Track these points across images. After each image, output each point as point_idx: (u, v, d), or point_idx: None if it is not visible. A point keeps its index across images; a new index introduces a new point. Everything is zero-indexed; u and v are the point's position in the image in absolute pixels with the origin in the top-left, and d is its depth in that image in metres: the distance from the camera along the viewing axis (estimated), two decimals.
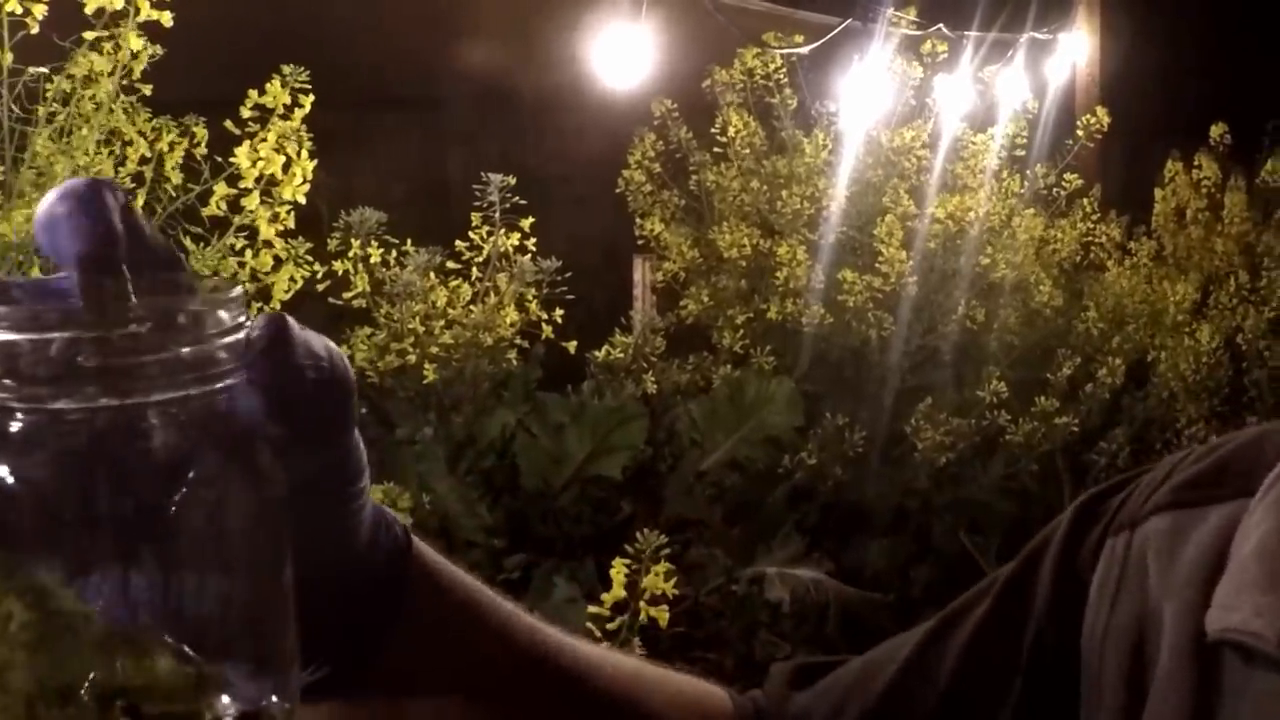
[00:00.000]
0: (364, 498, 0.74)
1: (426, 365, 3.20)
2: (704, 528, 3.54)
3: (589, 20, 4.62)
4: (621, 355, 4.03)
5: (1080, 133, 5.53)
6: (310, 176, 2.20)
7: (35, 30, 2.03)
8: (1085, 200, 5.57)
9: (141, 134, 2.28)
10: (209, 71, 2.38)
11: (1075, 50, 7.58)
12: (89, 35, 2.09)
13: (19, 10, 1.98)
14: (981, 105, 5.70)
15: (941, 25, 5.72)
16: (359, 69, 2.70)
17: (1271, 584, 0.81)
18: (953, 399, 4.66)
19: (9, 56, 2.05)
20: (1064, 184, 5.54)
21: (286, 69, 2.23)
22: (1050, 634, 0.94)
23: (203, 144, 2.34)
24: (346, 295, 2.86)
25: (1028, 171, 5.46)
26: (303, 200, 2.23)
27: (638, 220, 4.99)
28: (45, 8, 1.99)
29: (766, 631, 3.44)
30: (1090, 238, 5.53)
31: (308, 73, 2.24)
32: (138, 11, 2.07)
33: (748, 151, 5.03)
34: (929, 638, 1.01)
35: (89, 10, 2.04)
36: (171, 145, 2.30)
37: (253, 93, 2.22)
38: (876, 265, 4.68)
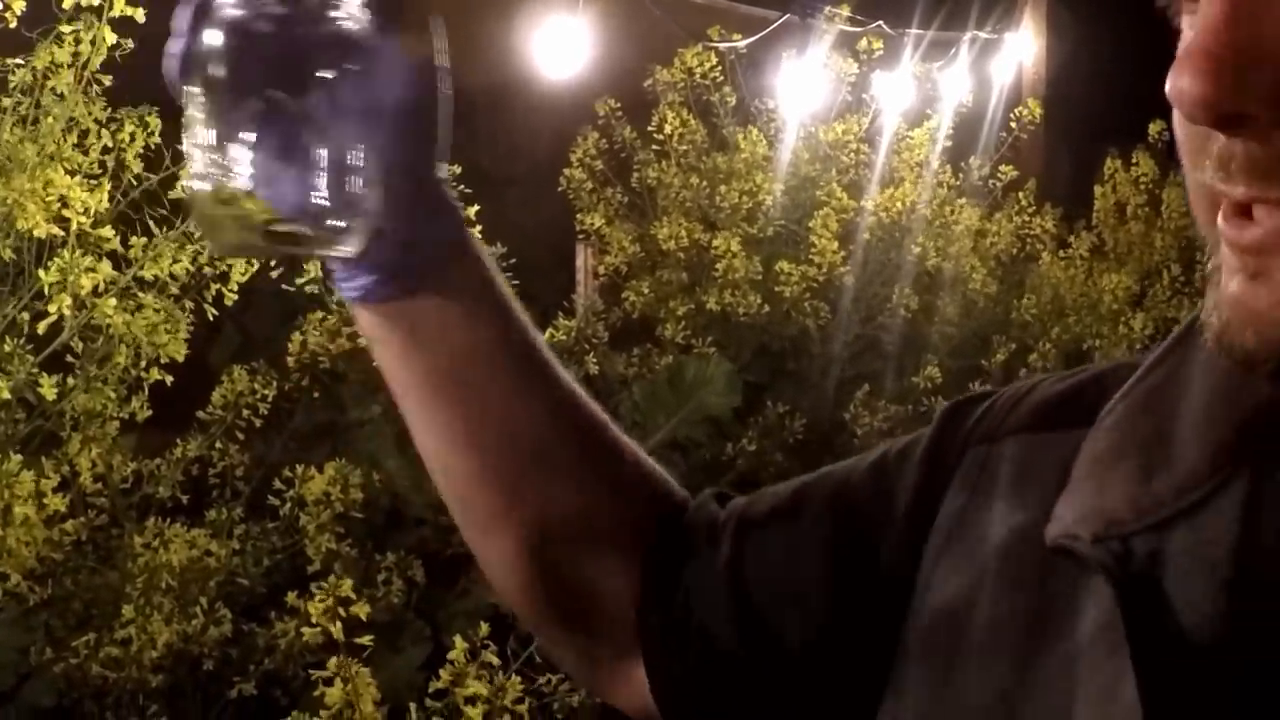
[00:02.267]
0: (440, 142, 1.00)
1: None
2: None
3: (526, 13, 4.70)
4: (565, 338, 4.14)
5: (1013, 125, 5.67)
6: None
7: (13, 24, 2.12)
8: (1020, 194, 5.72)
9: (99, 123, 2.37)
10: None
11: (1021, 49, 7.70)
12: (66, 29, 2.18)
13: None
14: (924, 102, 5.81)
15: (881, 22, 5.82)
16: None
17: (1097, 493, 0.87)
18: (892, 387, 4.79)
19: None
20: (999, 176, 5.68)
21: None
22: (906, 523, 1.01)
23: (156, 133, 2.44)
24: (300, 281, 2.95)
25: (963, 164, 5.58)
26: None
27: (578, 216, 5.10)
28: (24, 3, 2.08)
29: None
30: (1026, 230, 5.68)
31: None
32: (111, 6, 2.16)
33: (686, 148, 5.14)
34: (806, 484, 1.10)
35: (66, 4, 2.14)
36: (132, 136, 2.40)
37: None
38: (810, 256, 4.80)
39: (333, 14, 0.91)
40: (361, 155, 0.92)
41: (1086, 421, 0.92)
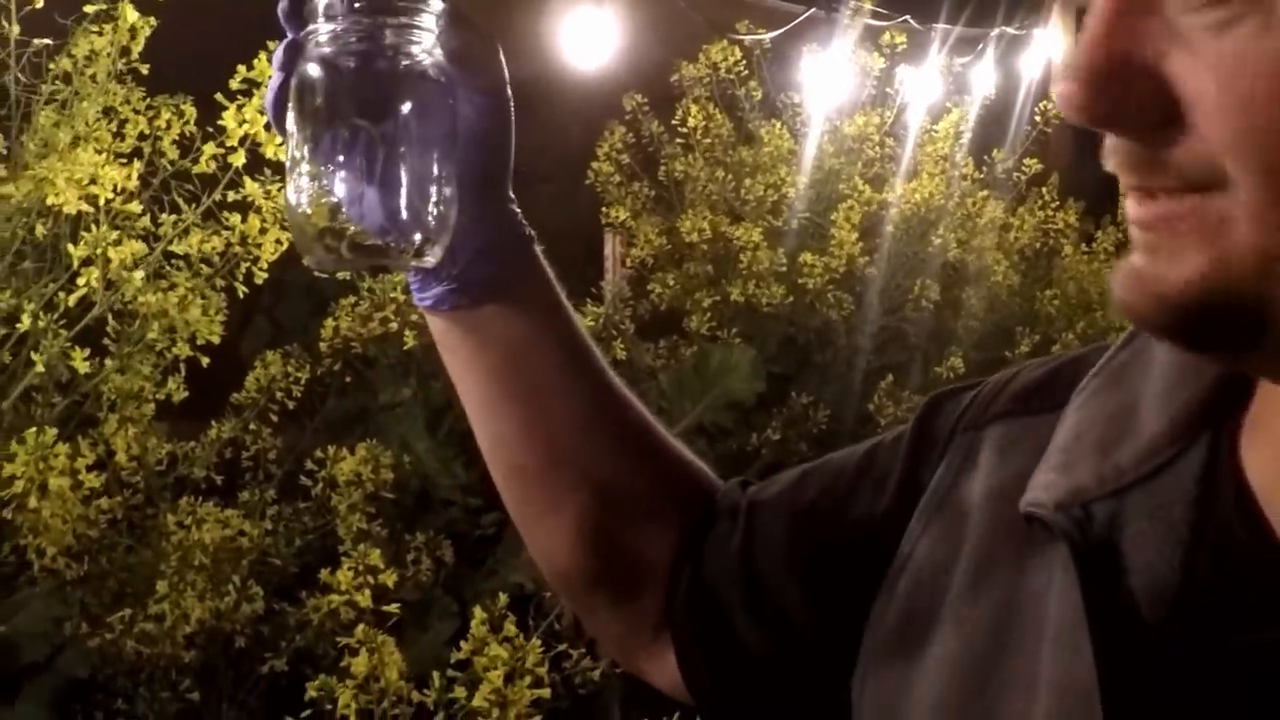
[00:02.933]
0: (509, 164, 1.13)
1: (407, 333, 3.36)
2: None
3: (555, 9, 4.74)
4: (593, 323, 4.20)
5: (1039, 120, 5.69)
6: None
7: (40, 4, 2.18)
8: (1044, 189, 5.74)
9: (137, 111, 2.43)
10: (204, 63, 2.51)
11: (1049, 45, 7.71)
12: (89, 9, 2.24)
13: None
14: (950, 97, 5.83)
15: (908, 17, 5.85)
16: None
17: (1065, 466, 0.93)
18: (917, 378, 4.82)
19: (15, 29, 2.19)
20: (1023, 170, 5.71)
21: (272, 44, 2.39)
22: (894, 502, 1.09)
23: (191, 122, 2.51)
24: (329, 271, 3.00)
25: (986, 158, 5.61)
26: (284, 158, 2.40)
27: (604, 210, 5.15)
28: None
29: None
30: (1049, 224, 5.70)
31: None
32: None
33: (710, 142, 5.17)
34: (808, 469, 1.20)
35: None
36: (168, 123, 2.45)
37: (241, 67, 2.39)
38: (830, 248, 4.84)
39: (411, 48, 1.03)
40: (439, 177, 1.04)
41: (1063, 403, 0.99)
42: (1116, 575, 0.87)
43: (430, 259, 1.04)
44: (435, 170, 1.03)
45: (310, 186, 1.02)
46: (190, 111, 2.51)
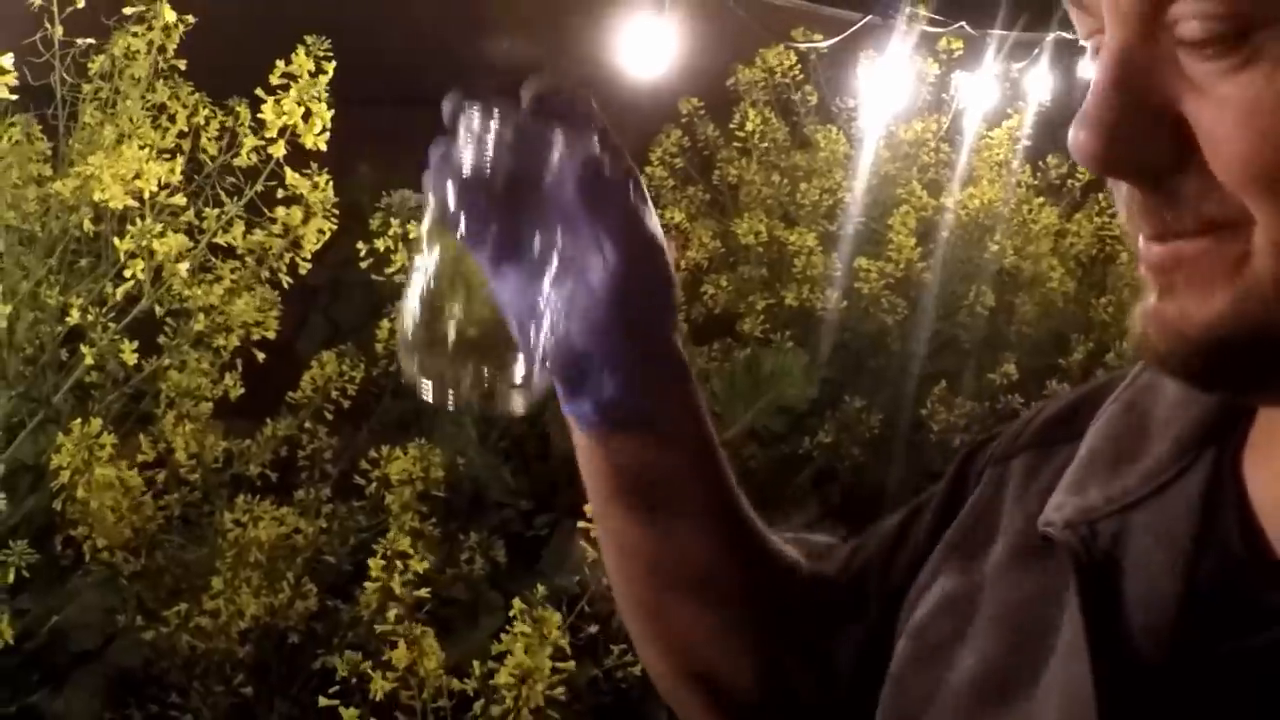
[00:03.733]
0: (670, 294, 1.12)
1: None
2: None
3: (614, 16, 4.77)
4: None
5: None
6: (329, 125, 2.41)
7: (81, 4, 2.22)
8: (1101, 195, 5.73)
9: (183, 104, 2.47)
10: (241, 65, 2.55)
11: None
12: (129, 10, 2.28)
13: None
14: (1006, 102, 5.83)
15: (964, 24, 5.84)
16: (395, 68, 2.84)
17: (1078, 488, 0.96)
18: (970, 385, 4.82)
19: (60, 30, 2.23)
20: (1078, 176, 5.70)
21: (310, 39, 2.43)
22: (925, 539, 1.12)
23: (233, 119, 2.55)
24: (388, 271, 3.03)
25: (1041, 164, 5.60)
26: (323, 147, 2.45)
27: (657, 212, 5.17)
28: None
29: None
30: (1106, 231, 5.69)
31: (329, 41, 2.45)
32: None
33: (765, 146, 5.21)
34: (859, 542, 1.24)
35: None
36: (207, 120, 2.49)
37: (280, 62, 2.42)
38: (887, 253, 4.86)
39: (563, 191, 1.01)
40: (559, 313, 1.02)
41: (1082, 432, 1.01)
42: (1120, 590, 0.90)
43: (529, 390, 1.03)
44: (556, 305, 1.01)
45: (429, 299, 1.01)
46: (245, 114, 2.55)
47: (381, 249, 2.97)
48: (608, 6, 4.80)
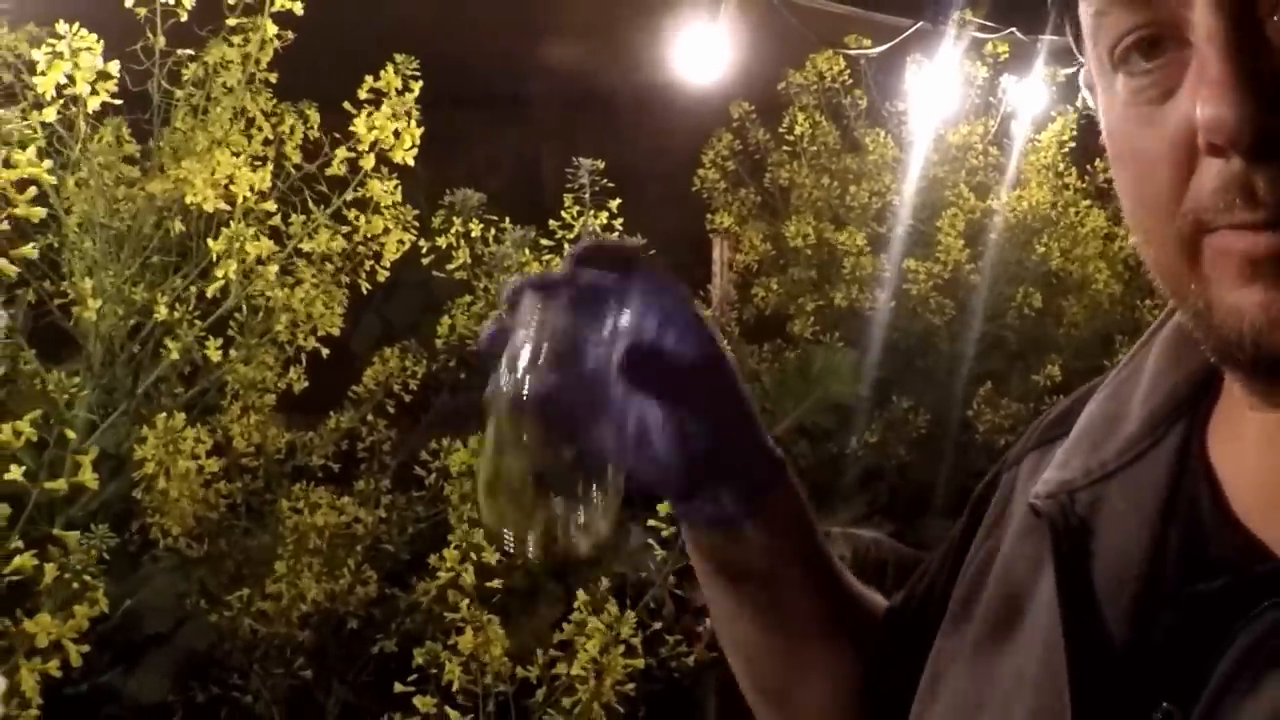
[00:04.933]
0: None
1: None
2: None
3: (670, 22, 4.81)
4: None
5: None
6: (418, 143, 2.49)
7: (184, 18, 2.30)
8: None
9: (265, 114, 2.55)
10: (311, 69, 2.62)
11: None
12: (231, 21, 2.36)
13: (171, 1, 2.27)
14: (1055, 106, 5.84)
15: (1014, 29, 5.85)
16: (453, 70, 2.89)
17: (1061, 464, 1.05)
18: (1017, 386, 4.86)
19: (161, 41, 2.32)
20: None
21: (399, 58, 2.52)
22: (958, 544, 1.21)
23: (315, 127, 2.63)
24: (449, 267, 3.10)
25: (1089, 167, 5.61)
26: (411, 163, 2.53)
27: (709, 216, 5.25)
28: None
29: None
30: None
31: (417, 61, 2.54)
32: (272, 2, 2.35)
33: (815, 149, 5.25)
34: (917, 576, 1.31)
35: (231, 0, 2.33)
36: (292, 129, 2.58)
37: (369, 78, 2.51)
38: (936, 255, 4.91)
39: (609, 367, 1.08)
40: (613, 476, 1.07)
41: (1074, 426, 1.10)
42: (1093, 551, 0.98)
43: (592, 543, 1.09)
44: (609, 471, 1.07)
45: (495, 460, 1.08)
46: (315, 117, 2.63)
47: (444, 245, 3.04)
48: (662, 13, 4.86)
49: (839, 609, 1.28)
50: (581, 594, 2.40)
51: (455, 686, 2.33)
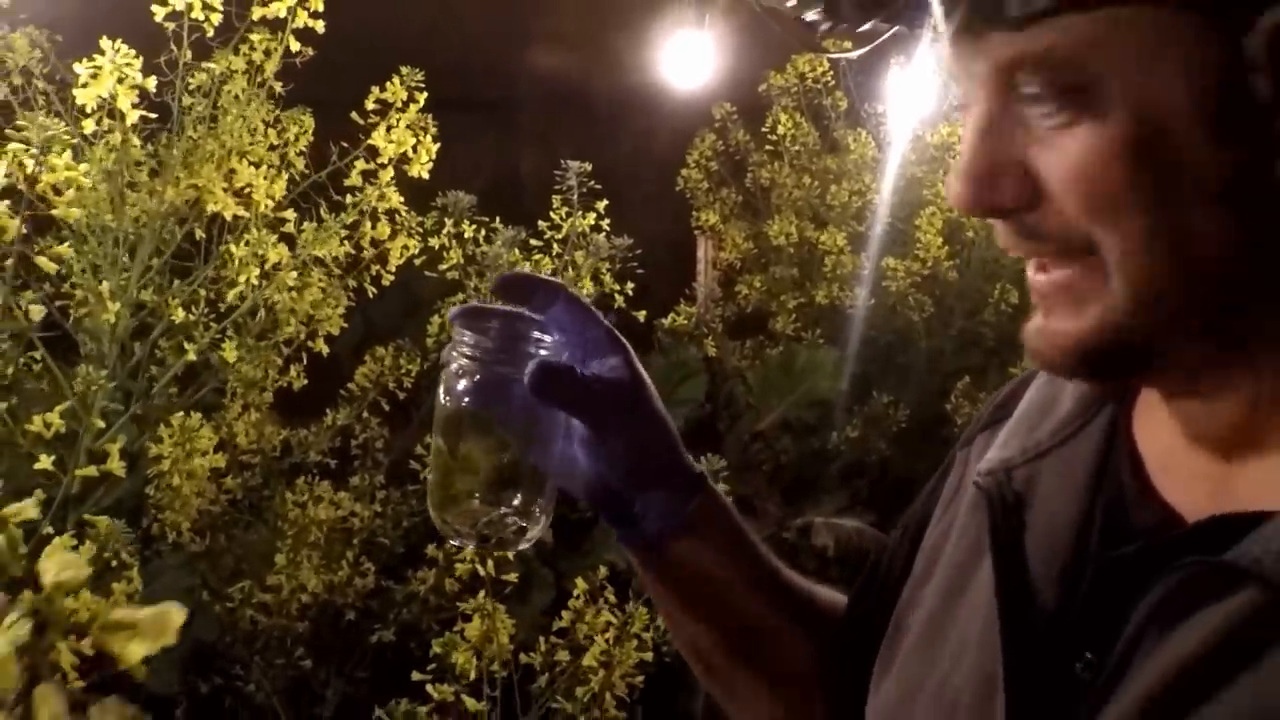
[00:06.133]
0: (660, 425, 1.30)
1: None
2: (759, 480, 3.83)
3: (654, 29, 4.88)
4: (685, 322, 4.39)
5: None
6: (433, 156, 2.58)
7: (210, 34, 2.39)
8: None
9: (265, 123, 2.63)
10: (293, 73, 2.68)
11: None
12: (256, 36, 2.45)
13: (200, 16, 2.35)
14: None
15: (895, 21, 5.88)
16: (441, 74, 2.95)
17: (1002, 445, 1.17)
18: (994, 380, 4.93)
19: (188, 54, 2.41)
20: None
21: (404, 69, 2.62)
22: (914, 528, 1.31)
23: (309, 132, 2.72)
24: (442, 267, 3.17)
25: None
26: (427, 176, 2.63)
27: (693, 215, 5.32)
28: (219, 15, 2.36)
29: (816, 579, 3.74)
30: None
31: (422, 73, 2.63)
32: (294, 18, 2.43)
33: (797, 150, 5.32)
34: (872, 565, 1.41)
35: (254, 16, 2.41)
36: (296, 136, 2.66)
37: (375, 89, 2.60)
38: (914, 252, 4.98)
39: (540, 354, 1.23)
40: (540, 477, 1.25)
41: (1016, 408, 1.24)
42: (1027, 523, 1.10)
43: (526, 542, 1.27)
44: (537, 470, 1.24)
45: (441, 468, 1.26)
46: (309, 123, 2.71)
47: (436, 247, 3.12)
48: (647, 20, 4.92)
49: (782, 605, 1.37)
50: (580, 582, 2.48)
51: (471, 674, 2.41)
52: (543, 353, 1.22)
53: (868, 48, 5.06)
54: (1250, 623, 0.89)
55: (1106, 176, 0.90)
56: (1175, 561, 0.94)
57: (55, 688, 1.06)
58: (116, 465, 2.21)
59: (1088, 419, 1.13)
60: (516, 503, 1.23)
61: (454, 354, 1.22)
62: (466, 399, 1.21)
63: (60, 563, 1.10)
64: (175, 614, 1.13)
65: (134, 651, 1.10)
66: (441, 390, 1.22)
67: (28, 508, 1.27)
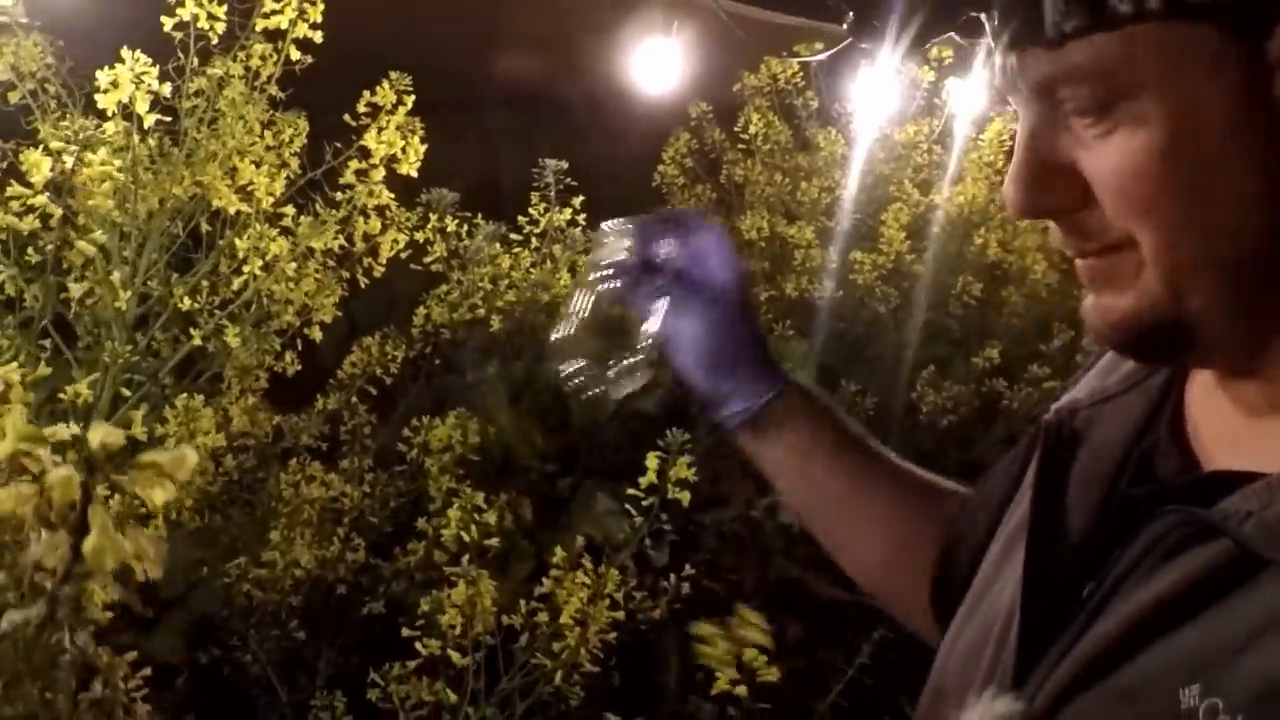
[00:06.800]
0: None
1: (493, 319, 3.69)
2: (729, 462, 3.96)
3: (627, 33, 5.01)
4: None
5: None
6: (421, 156, 2.75)
7: (215, 41, 2.55)
8: None
9: (262, 124, 2.78)
10: (295, 78, 2.80)
11: None
12: (257, 47, 2.60)
13: (206, 26, 2.52)
14: (995, 106, 6.01)
15: (953, 34, 6.00)
16: (418, 77, 3.06)
17: (1075, 391, 1.32)
18: (959, 370, 5.06)
19: (194, 62, 2.57)
20: None
21: (394, 74, 2.79)
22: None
23: (303, 135, 2.86)
24: (426, 260, 3.31)
25: None
26: (415, 174, 2.80)
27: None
28: (223, 25, 2.52)
29: (781, 557, 3.91)
30: None
31: (410, 78, 2.80)
32: (294, 28, 2.59)
33: (769, 148, 5.44)
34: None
35: (257, 27, 2.58)
36: (291, 137, 2.82)
37: (366, 93, 2.77)
38: (880, 247, 5.10)
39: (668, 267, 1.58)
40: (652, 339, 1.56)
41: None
42: (1079, 460, 1.24)
43: (622, 392, 1.55)
44: (644, 343, 1.54)
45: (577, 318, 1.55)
46: (303, 125, 2.86)
47: (421, 240, 3.27)
48: (620, 26, 5.05)
49: (873, 484, 1.60)
50: (559, 550, 2.66)
51: (458, 629, 2.57)
52: (677, 253, 1.56)
53: (832, 51, 5.20)
54: (1216, 571, 0.99)
55: (1143, 179, 1.00)
56: (1170, 505, 1.06)
57: (103, 508, 1.26)
58: (139, 431, 2.37)
59: (1151, 373, 1.25)
60: (626, 363, 1.52)
61: (609, 245, 1.56)
62: (612, 282, 1.53)
63: (103, 432, 1.30)
64: (190, 455, 1.33)
65: (159, 496, 1.29)
66: (590, 266, 1.56)
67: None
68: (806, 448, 1.60)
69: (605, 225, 1.60)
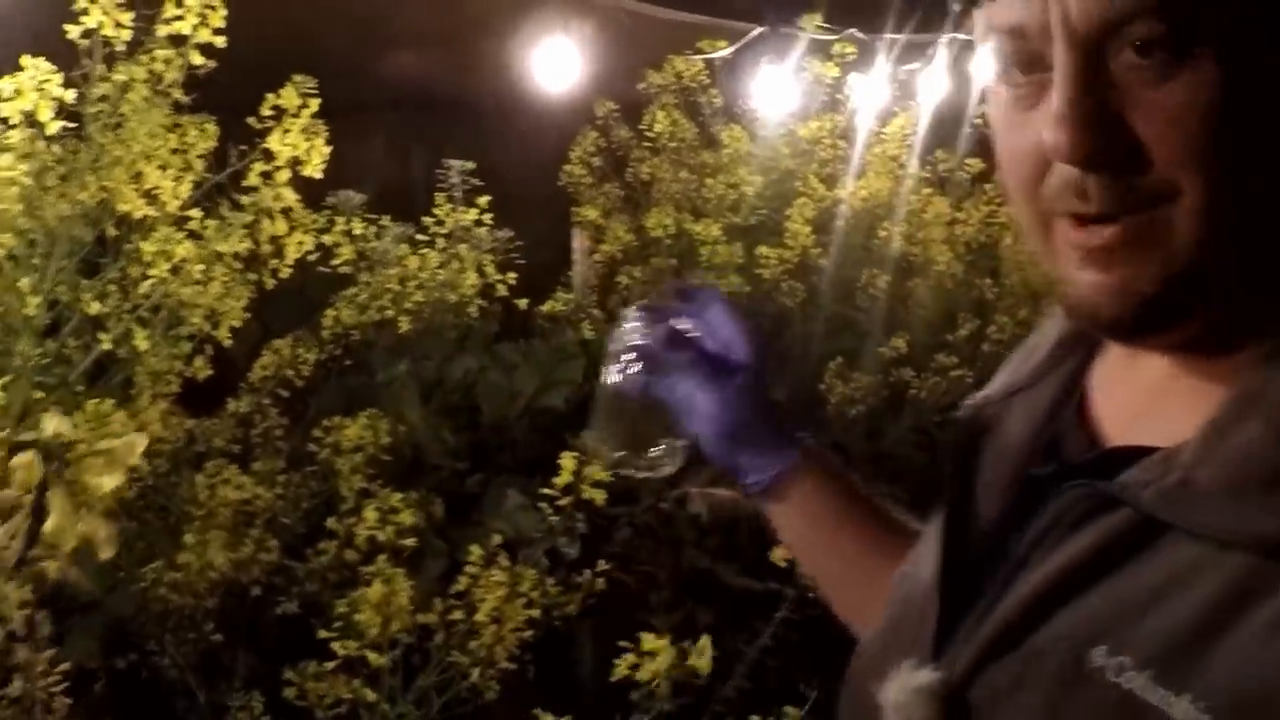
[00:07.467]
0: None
1: (401, 319, 3.68)
2: None
3: (528, 33, 5.05)
4: (563, 307, 4.58)
5: (979, 120, 5.96)
6: (325, 159, 2.78)
7: (121, 48, 2.57)
8: (988, 185, 6.00)
9: (168, 129, 2.79)
10: (198, 81, 2.82)
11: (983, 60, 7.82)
12: (160, 52, 2.62)
13: (112, 34, 2.53)
14: (899, 101, 6.08)
15: (854, 30, 6.07)
16: (325, 79, 3.06)
17: (990, 386, 1.37)
18: (867, 361, 5.10)
19: (102, 68, 2.59)
20: (966, 169, 5.99)
21: (298, 77, 2.81)
22: None
23: (210, 138, 2.88)
24: (334, 262, 3.33)
25: (929, 158, 5.88)
26: (320, 176, 2.82)
27: (574, 210, 5.52)
28: (129, 32, 2.54)
29: (692, 548, 3.96)
30: (992, 219, 5.96)
31: (314, 81, 2.82)
32: (196, 34, 2.62)
33: (674, 145, 5.51)
34: None
35: (161, 33, 2.59)
36: (198, 141, 2.84)
37: (270, 95, 2.79)
38: (785, 241, 5.16)
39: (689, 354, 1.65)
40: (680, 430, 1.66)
41: None
42: (991, 449, 1.29)
43: (667, 472, 1.69)
44: (675, 432, 1.65)
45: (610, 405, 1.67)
46: (213, 130, 2.88)
47: (330, 244, 3.28)
48: (520, 26, 5.08)
49: (883, 548, 1.61)
50: (475, 549, 2.70)
51: (374, 630, 2.61)
52: (694, 335, 1.66)
53: (735, 48, 5.27)
54: (1119, 538, 1.03)
55: (1200, 125, 0.96)
56: (1072, 481, 1.11)
57: (62, 492, 1.31)
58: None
59: (1057, 363, 1.30)
60: (663, 448, 1.65)
61: (625, 336, 1.64)
62: (631, 373, 1.63)
63: (55, 422, 1.35)
64: (138, 440, 1.39)
65: (108, 483, 1.35)
66: (609, 364, 1.65)
67: None
68: (816, 513, 1.66)
69: (624, 311, 1.69)
